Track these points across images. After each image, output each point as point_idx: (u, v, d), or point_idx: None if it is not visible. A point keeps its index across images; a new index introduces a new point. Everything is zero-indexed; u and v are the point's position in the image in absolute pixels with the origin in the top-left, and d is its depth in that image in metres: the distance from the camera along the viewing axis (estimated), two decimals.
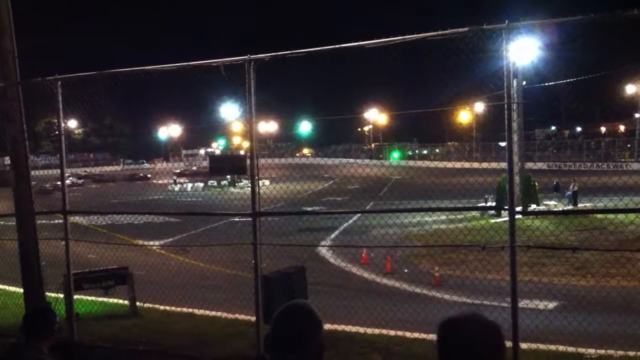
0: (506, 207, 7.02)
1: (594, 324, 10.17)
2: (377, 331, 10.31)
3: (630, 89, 62.90)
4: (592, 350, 9.05)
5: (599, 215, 24.33)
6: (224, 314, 12.14)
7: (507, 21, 6.64)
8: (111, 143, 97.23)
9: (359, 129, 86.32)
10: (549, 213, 25.38)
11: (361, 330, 10.61)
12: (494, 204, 28.61)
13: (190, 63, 8.54)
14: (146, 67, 8.98)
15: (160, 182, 59.14)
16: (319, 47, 7.74)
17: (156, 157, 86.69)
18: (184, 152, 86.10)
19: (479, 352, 2.16)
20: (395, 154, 75.45)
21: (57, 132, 9.81)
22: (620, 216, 23.14)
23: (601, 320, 11.40)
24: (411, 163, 69.13)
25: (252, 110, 8.11)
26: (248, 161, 8.48)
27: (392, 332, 10.30)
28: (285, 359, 2.64)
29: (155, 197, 47.39)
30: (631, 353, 8.65)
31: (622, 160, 55.96)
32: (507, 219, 6.97)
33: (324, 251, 24.70)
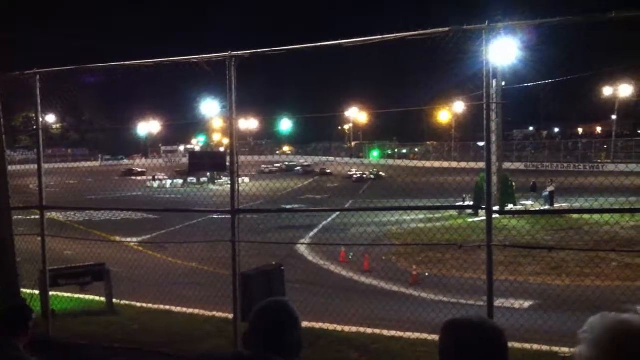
0: (483, 207, 7.08)
1: (569, 322, 10.25)
2: (354, 329, 10.35)
3: (607, 90, 63.62)
4: (566, 349, 9.15)
5: (575, 216, 24.63)
6: (202, 312, 12.11)
7: (487, 22, 6.69)
8: (90, 139, 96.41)
9: (340, 127, 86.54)
10: (525, 213, 25.59)
11: (339, 328, 10.65)
12: (471, 203, 28.80)
13: (170, 59, 8.51)
14: (124, 63, 8.92)
15: (139, 178, 58.76)
16: (301, 45, 7.75)
17: (135, 153, 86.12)
18: (163, 148, 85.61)
19: (482, 356, 2.18)
20: (375, 153, 75.64)
21: (34, 127, 9.73)
22: (596, 216, 23.48)
23: (575, 319, 11.50)
24: (390, 162, 69.36)
25: (233, 107, 8.10)
26: (228, 158, 8.46)
27: (369, 330, 10.34)
28: (262, 356, 2.64)
29: (133, 193, 47.09)
30: None
31: (599, 161, 56.57)
32: (484, 218, 7.03)
33: (302, 249, 24.71)
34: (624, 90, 62.65)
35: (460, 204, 25.96)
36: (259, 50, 7.91)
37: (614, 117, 66.79)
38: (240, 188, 8.48)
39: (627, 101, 63.76)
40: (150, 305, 12.73)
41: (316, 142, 78.16)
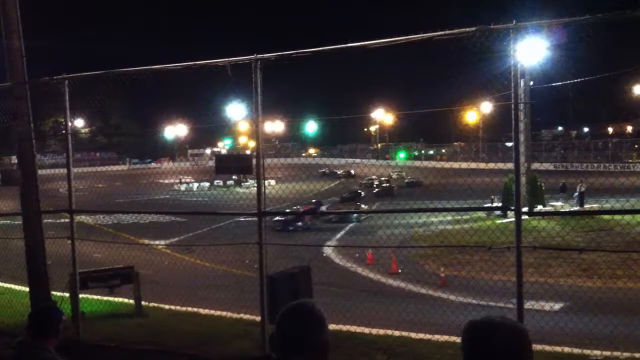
0: (512, 208, 7.00)
1: (600, 325, 10.13)
2: (381, 332, 10.29)
3: (638, 89, 62.71)
4: (597, 352, 9.02)
5: (606, 217, 24.25)
6: (229, 314, 12.13)
7: (514, 21, 6.62)
8: (117, 142, 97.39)
9: (365, 129, 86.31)
10: (555, 214, 25.32)
11: (366, 330, 10.59)
12: (500, 204, 28.53)
13: (196, 62, 8.55)
14: (152, 67, 8.99)
15: (166, 181, 59.20)
16: (325, 46, 7.74)
17: (162, 156, 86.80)
18: (190, 151, 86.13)
19: (505, 356, 2.15)
20: (402, 154, 75.34)
21: (63, 131, 9.83)
22: (627, 217, 23.13)
23: (607, 321, 11.34)
24: (417, 163, 69.04)
25: (259, 110, 8.10)
26: (254, 161, 8.47)
27: (396, 333, 10.27)
28: (289, 358, 2.63)
29: (161, 196, 47.48)
30: (637, 355, 8.61)
31: (630, 161, 55.76)
32: (513, 219, 6.94)
33: (329, 251, 24.70)
34: None
35: (489, 205, 25.74)
36: (284, 53, 7.91)
37: None
38: (267, 190, 8.48)
39: None
40: (178, 308, 12.79)
41: (342, 144, 78.02)
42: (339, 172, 57.80)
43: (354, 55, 7.72)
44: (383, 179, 50.56)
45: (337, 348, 8.69)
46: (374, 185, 48.96)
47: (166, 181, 58.80)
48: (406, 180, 52.80)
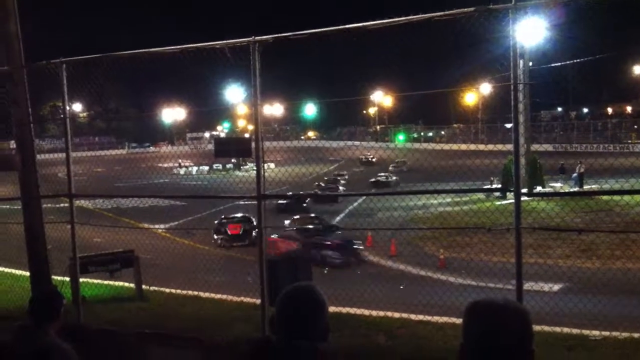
0: (512, 189, 7.00)
1: (599, 306, 10.16)
2: (381, 313, 10.34)
3: (637, 69, 62.56)
4: (596, 332, 9.06)
5: (605, 197, 24.29)
6: (230, 297, 12.18)
7: (514, 0, 6.57)
8: (116, 127, 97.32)
9: (364, 111, 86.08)
10: (554, 195, 25.35)
11: (366, 312, 10.64)
12: (499, 186, 28.55)
13: (193, 45, 8.48)
14: (150, 50, 8.94)
15: (164, 165, 59.16)
16: (324, 28, 7.68)
17: (161, 140, 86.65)
18: (188, 135, 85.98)
19: (507, 337, 2.15)
20: (401, 136, 75.22)
21: (62, 116, 9.81)
22: (626, 198, 23.09)
23: (606, 302, 11.39)
24: (416, 145, 68.95)
25: (257, 93, 8.07)
26: (253, 144, 8.45)
27: (396, 315, 10.32)
28: (290, 340, 2.65)
29: (160, 180, 47.46)
30: (636, 335, 8.66)
31: (629, 141, 55.71)
32: (512, 200, 6.94)
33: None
34: None
35: (489, 187, 25.74)
36: (282, 35, 7.85)
37: None
38: (266, 174, 8.47)
39: None
40: (178, 291, 12.84)
41: (341, 126, 77.86)
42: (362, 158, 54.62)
43: (353, 37, 7.67)
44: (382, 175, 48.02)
45: (338, 329, 8.73)
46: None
47: (165, 165, 58.79)
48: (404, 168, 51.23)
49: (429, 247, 21.80)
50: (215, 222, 26.30)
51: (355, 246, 21.73)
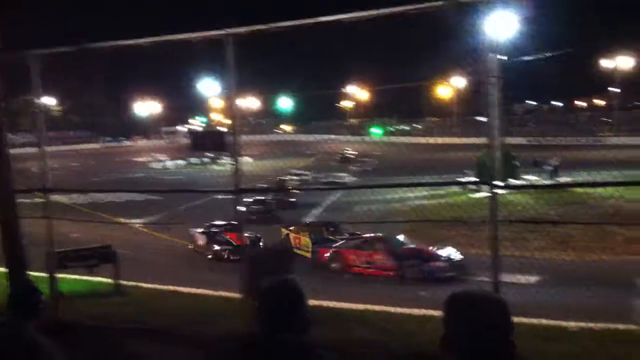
0: (487, 182, 7.06)
1: (575, 297, 10.31)
2: (362, 307, 10.38)
3: (608, 63, 63.32)
4: (573, 324, 9.17)
5: (579, 190, 24.59)
6: (210, 292, 12.14)
7: None
8: (90, 121, 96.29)
9: (340, 105, 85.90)
10: (529, 187, 25.54)
11: (348, 306, 10.67)
12: (474, 179, 28.70)
13: (165, 37, 8.32)
14: (122, 42, 8.78)
15: (140, 159, 58.74)
16: (299, 21, 7.62)
17: (136, 134, 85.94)
18: (163, 129, 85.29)
19: (485, 328, 2.18)
20: (376, 130, 75.44)
21: (35, 109, 9.68)
22: (600, 190, 23.47)
23: (581, 293, 11.56)
24: (392, 139, 69.24)
25: (232, 86, 8.01)
26: (229, 138, 8.41)
27: (377, 308, 10.37)
28: (272, 334, 2.66)
29: (136, 175, 47.16)
30: (612, 326, 8.77)
31: (601, 134, 56.37)
32: (487, 194, 7.01)
33: None
34: (626, 62, 62.29)
35: (464, 180, 25.89)
36: (255, 27, 7.74)
37: (613, 89, 66.49)
38: (243, 168, 8.45)
39: (629, 73, 63.33)
40: (158, 286, 12.77)
41: (317, 120, 77.74)
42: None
43: (328, 30, 7.65)
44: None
45: (321, 324, 8.74)
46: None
47: (140, 159, 58.35)
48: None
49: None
50: (199, 230, 22.74)
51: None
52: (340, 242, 20.70)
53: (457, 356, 2.22)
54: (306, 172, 39.54)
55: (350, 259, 19.48)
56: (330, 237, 21.83)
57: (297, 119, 78.42)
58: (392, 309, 10.46)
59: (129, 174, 47.14)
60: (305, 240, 21.62)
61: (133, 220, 25.24)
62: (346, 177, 38.63)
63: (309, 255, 20.86)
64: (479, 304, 2.26)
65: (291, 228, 22.79)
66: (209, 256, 20.89)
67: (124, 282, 12.82)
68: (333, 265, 19.75)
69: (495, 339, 2.20)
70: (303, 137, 69.43)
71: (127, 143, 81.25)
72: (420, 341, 7.62)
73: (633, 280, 10.99)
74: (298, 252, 20.43)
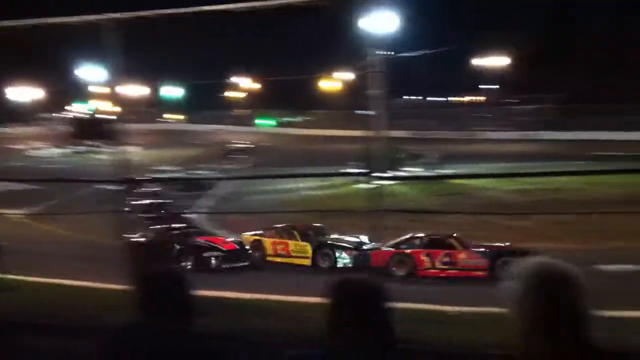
0: (373, 173, 7.35)
1: (458, 284, 10.79)
2: (248, 296, 10.51)
3: (488, 61, 66.19)
4: (449, 308, 9.67)
5: (460, 181, 25.76)
6: (96, 284, 11.89)
7: None
8: None
9: (227, 95, 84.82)
10: (413, 178, 26.50)
11: (233, 295, 10.75)
12: (360, 170, 29.33)
13: (43, 20, 7.93)
14: None
15: (16, 147, 55.95)
16: (184, 9, 7.44)
17: (13, 120, 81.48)
18: (43, 115, 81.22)
19: (366, 312, 2.26)
20: (266, 121, 75.39)
21: None
22: (480, 181, 24.73)
23: (461, 280, 12.18)
24: (282, 130, 69.59)
25: (116, 73, 7.82)
26: (114, 125, 8.28)
27: (262, 297, 10.50)
28: (158, 323, 2.67)
29: (13, 163, 44.86)
30: (487, 309, 9.29)
31: (480, 129, 58.53)
32: (374, 184, 7.31)
33: (198, 218, 24.49)
34: (502, 60, 65.15)
35: (350, 170, 26.43)
36: (137, 14, 7.54)
37: (490, 87, 69.72)
38: (130, 157, 8.34)
39: (505, 70, 66.19)
40: (43, 280, 12.36)
41: (207, 109, 76.40)
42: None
43: (216, 19, 7.62)
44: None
45: (208, 313, 8.78)
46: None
47: (18, 147, 55.63)
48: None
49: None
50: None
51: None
52: (394, 242, 17.20)
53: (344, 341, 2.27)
54: (174, 168, 36.79)
55: (422, 261, 16.79)
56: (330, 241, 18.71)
57: (187, 108, 76.95)
58: (281, 297, 10.62)
59: (6, 162, 44.73)
60: (299, 244, 18.73)
61: (14, 211, 24.13)
62: (213, 173, 36.35)
63: (307, 262, 18.30)
64: (356, 288, 2.36)
65: (259, 232, 19.86)
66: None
67: (5, 276, 12.34)
68: (396, 269, 16.52)
69: (377, 323, 2.28)
70: (192, 127, 68.57)
71: (7, 130, 76.96)
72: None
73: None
74: (280, 260, 18.61)
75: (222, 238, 19.01)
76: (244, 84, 78.47)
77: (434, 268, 16.47)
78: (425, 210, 18.25)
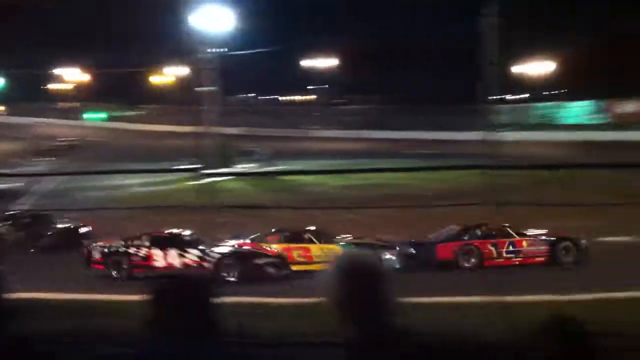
0: (205, 170, 7.50)
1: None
2: (70, 296, 10.28)
3: (309, 62, 68.41)
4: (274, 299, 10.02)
5: (290, 177, 26.44)
6: None
7: None
8: None
9: (54, 86, 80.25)
10: (247, 174, 26.82)
11: (54, 296, 10.44)
12: (193, 166, 29.16)
13: None
14: None
15: None
16: None
17: None
18: None
19: (190, 308, 2.26)
20: (95, 115, 72.52)
21: None
22: (310, 179, 25.52)
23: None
24: (114, 125, 67.33)
25: None
26: None
27: (85, 297, 10.32)
28: None
29: None
30: (312, 300, 9.76)
31: (309, 127, 59.92)
32: (207, 180, 7.46)
33: None
34: (331, 62, 67.25)
35: (181, 167, 26.20)
36: None
37: (319, 86, 72.02)
38: None
39: (333, 71, 68.25)
40: None
41: (29, 101, 71.73)
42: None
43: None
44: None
45: (18, 314, 8.47)
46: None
47: None
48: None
49: (131, 227, 21.20)
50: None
51: None
52: (450, 234, 17.29)
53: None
54: None
55: (490, 252, 16.79)
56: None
57: (5, 99, 71.65)
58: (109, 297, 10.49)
59: None
60: (325, 248, 16.39)
61: None
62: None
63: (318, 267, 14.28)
64: (180, 285, 2.38)
65: (252, 237, 17.03)
66: None
67: None
68: (464, 260, 16.64)
69: (201, 319, 2.27)
70: (11, 119, 64.67)
71: None
72: None
73: None
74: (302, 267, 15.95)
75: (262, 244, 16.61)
76: (72, 76, 74.47)
77: (500, 257, 16.74)
78: (257, 206, 18.56)
